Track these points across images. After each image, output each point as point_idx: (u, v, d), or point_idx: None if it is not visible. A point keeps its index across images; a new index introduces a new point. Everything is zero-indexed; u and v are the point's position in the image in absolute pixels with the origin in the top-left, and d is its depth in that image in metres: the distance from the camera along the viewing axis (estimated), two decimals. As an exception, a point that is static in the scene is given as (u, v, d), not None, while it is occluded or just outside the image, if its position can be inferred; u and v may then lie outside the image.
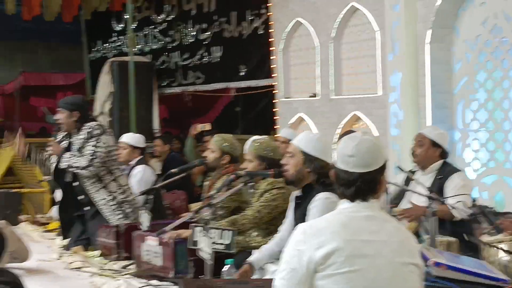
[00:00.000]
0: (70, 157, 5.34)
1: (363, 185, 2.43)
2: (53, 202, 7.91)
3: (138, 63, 10.51)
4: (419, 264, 2.46)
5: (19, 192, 7.32)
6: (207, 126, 9.22)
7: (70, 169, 5.37)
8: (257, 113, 13.95)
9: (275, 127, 9.47)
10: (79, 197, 5.49)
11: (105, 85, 11.34)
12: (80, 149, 5.35)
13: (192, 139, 9.23)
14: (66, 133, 5.54)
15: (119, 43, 13.20)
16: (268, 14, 9.36)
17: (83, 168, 5.29)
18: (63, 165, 5.35)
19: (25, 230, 6.44)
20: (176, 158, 8.80)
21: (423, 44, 6.52)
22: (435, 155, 5.04)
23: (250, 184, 4.28)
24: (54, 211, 7.42)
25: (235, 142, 5.13)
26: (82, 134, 5.37)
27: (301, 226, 2.44)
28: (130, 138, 6.76)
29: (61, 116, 5.43)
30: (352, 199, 2.45)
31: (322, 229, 2.37)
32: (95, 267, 4.82)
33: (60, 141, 5.55)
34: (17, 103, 14.94)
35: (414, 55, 6.63)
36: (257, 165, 4.52)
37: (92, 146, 5.31)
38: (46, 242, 5.94)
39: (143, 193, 5.21)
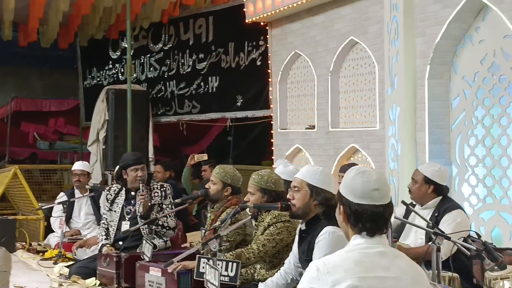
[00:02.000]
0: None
1: (388, 218, 2.48)
2: (48, 230, 7.89)
3: (134, 91, 10.56)
4: (431, 300, 2.49)
5: (14, 219, 7.27)
6: (205, 157, 9.26)
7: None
8: (249, 143, 14.04)
9: (272, 157, 9.52)
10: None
11: (100, 112, 11.38)
12: (160, 205, 5.72)
13: (189, 169, 9.25)
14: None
15: (114, 71, 13.26)
16: (266, 45, 9.45)
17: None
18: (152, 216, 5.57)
19: (22, 257, 6.42)
20: (175, 186, 8.83)
21: (422, 79, 6.60)
22: (428, 192, 5.09)
23: (254, 216, 4.31)
24: (51, 239, 7.41)
25: (236, 174, 5.17)
26: (159, 191, 5.80)
27: (314, 263, 2.45)
28: None
29: (145, 172, 5.85)
30: (373, 234, 2.46)
31: (336, 267, 2.39)
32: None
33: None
34: (8, 129, 14.91)
35: (412, 90, 6.70)
36: (259, 197, 4.54)
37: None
38: (44, 270, 5.91)
39: (146, 223, 5.22)
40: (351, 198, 2.50)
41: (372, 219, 2.46)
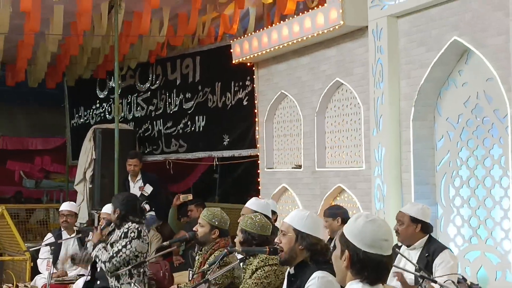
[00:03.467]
0: (99, 248, 5.76)
1: (390, 268, 2.51)
2: (35, 271, 7.84)
3: (122, 130, 10.59)
4: None
5: (1, 260, 7.23)
6: (189, 197, 9.30)
7: (96, 258, 5.79)
8: (235, 181, 14.06)
9: (258, 195, 9.55)
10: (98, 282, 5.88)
11: (87, 151, 11.37)
12: (112, 244, 5.74)
13: (174, 209, 9.26)
14: (113, 225, 6.00)
15: (101, 110, 13.30)
16: (252, 85, 9.56)
17: (102, 261, 5.69)
18: (93, 252, 5.81)
19: (8, 300, 6.38)
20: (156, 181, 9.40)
21: (407, 121, 6.70)
22: (416, 231, 5.16)
23: (242, 260, 4.34)
24: (37, 280, 7.37)
25: (224, 216, 5.21)
26: (120, 232, 5.79)
27: None
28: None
29: (109, 211, 6.07)
30: (375, 283, 2.49)
31: None
32: None
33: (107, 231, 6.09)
34: (-7, 167, 14.87)
35: (397, 131, 6.81)
36: (240, 238, 4.58)
37: (121, 246, 5.69)
38: (31, 313, 5.88)
39: (134, 266, 5.23)
40: (360, 245, 2.49)
41: (378, 269, 2.48)
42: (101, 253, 5.73)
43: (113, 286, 5.69)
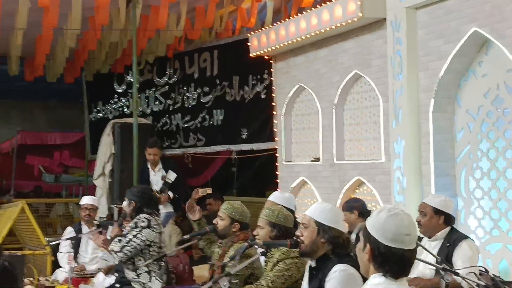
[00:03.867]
0: (115, 241, 5.80)
1: (413, 262, 2.50)
2: (55, 265, 7.90)
3: (140, 124, 10.63)
4: None
5: (23, 255, 7.30)
6: (208, 190, 9.26)
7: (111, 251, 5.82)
8: (253, 174, 14.07)
9: (276, 189, 9.55)
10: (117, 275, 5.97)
11: (106, 146, 11.43)
12: (125, 236, 5.77)
13: (193, 203, 9.26)
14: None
15: (120, 104, 13.35)
16: (270, 79, 9.55)
17: (115, 252, 5.74)
18: (110, 247, 5.84)
19: (30, 294, 6.44)
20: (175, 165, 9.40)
21: (426, 113, 6.66)
22: (439, 223, 5.12)
23: (264, 253, 4.34)
24: (58, 274, 7.43)
25: (244, 210, 5.21)
26: (132, 223, 5.83)
27: None
28: None
29: (124, 203, 6.04)
30: (398, 277, 2.48)
31: None
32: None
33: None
34: (13, 162, 14.98)
35: (416, 124, 6.77)
36: (268, 231, 4.58)
37: (132, 236, 5.74)
38: (53, 307, 5.93)
39: (155, 260, 5.25)
40: (381, 239, 2.49)
41: (400, 263, 2.48)
42: (114, 244, 5.79)
43: (130, 278, 5.71)
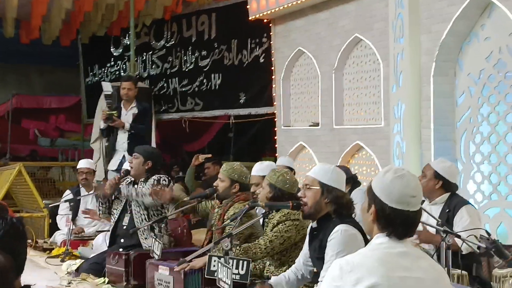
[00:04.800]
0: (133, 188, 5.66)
1: (418, 223, 2.49)
2: (53, 227, 7.90)
3: (138, 89, 10.52)
4: (452, 301, 2.51)
5: (21, 216, 7.27)
6: (209, 156, 9.26)
7: (134, 194, 5.62)
8: (250, 139, 14.06)
9: (273, 154, 9.54)
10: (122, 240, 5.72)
11: (102, 109, 11.33)
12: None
13: (193, 169, 9.23)
14: (132, 179, 5.82)
15: (116, 68, 13.25)
16: (269, 42, 9.46)
17: (143, 194, 5.56)
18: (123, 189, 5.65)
19: (29, 255, 6.43)
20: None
21: (427, 76, 6.61)
22: (435, 187, 5.10)
23: (265, 215, 4.33)
24: (57, 237, 7.43)
25: (243, 170, 5.19)
26: (149, 183, 5.65)
27: (337, 261, 2.46)
28: None
29: (135, 161, 5.73)
30: (402, 238, 2.47)
31: (359, 265, 2.40)
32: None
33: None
34: (8, 126, 14.91)
35: (417, 87, 6.72)
36: (266, 192, 4.56)
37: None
38: (52, 268, 5.93)
39: (155, 221, 5.24)
40: (387, 201, 2.47)
41: (404, 224, 2.46)
42: (141, 187, 5.64)
43: (146, 246, 5.67)
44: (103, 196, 5.81)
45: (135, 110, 8.38)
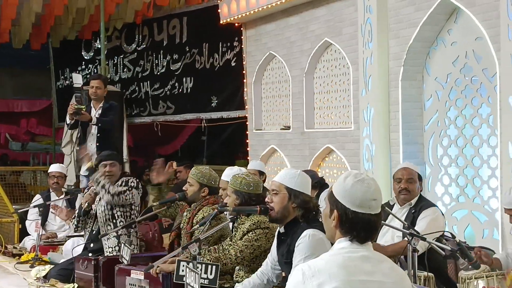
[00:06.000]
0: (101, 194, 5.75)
1: (379, 226, 2.53)
2: (23, 233, 7.84)
3: (108, 92, 10.47)
4: (413, 304, 2.55)
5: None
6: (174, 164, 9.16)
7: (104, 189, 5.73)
8: (223, 143, 14.08)
9: (246, 157, 9.57)
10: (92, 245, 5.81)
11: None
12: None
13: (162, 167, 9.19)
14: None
15: (87, 71, 13.18)
16: (241, 46, 9.49)
17: (114, 194, 5.71)
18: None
19: (-3, 261, 6.39)
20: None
21: (395, 81, 6.69)
22: (420, 190, 5.18)
23: (233, 220, 4.35)
24: (26, 242, 7.38)
25: (212, 174, 5.19)
26: (120, 181, 5.83)
27: (299, 267, 2.48)
28: None
29: (114, 168, 5.89)
30: (364, 241, 2.50)
31: (321, 270, 2.42)
32: (74, 300, 4.81)
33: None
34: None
35: (386, 92, 6.80)
36: (233, 199, 4.54)
37: (125, 189, 5.80)
38: (21, 274, 5.89)
39: (124, 227, 5.24)
40: (349, 205, 2.50)
41: (366, 228, 2.50)
42: (112, 187, 5.75)
43: (107, 246, 5.70)
44: (83, 213, 5.89)
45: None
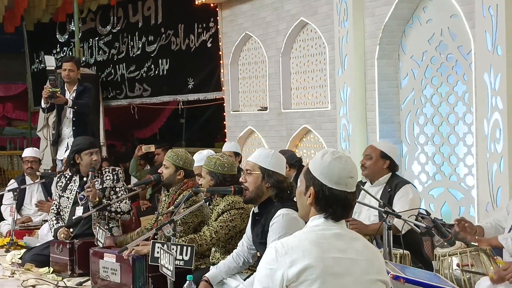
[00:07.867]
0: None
1: (354, 204, 2.51)
2: (-1, 218, 7.75)
3: (84, 75, 10.36)
4: (386, 281, 2.54)
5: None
6: (152, 148, 9.10)
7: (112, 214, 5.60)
8: (201, 125, 14.00)
9: (224, 139, 9.53)
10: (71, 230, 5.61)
11: (45, 87, 11.12)
12: (113, 189, 5.70)
13: (136, 159, 9.15)
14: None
15: (62, 54, 13.02)
16: (216, 27, 9.41)
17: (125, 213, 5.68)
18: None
19: (-28, 247, 6.31)
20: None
21: (372, 59, 6.68)
22: (383, 167, 5.13)
23: (208, 200, 4.32)
24: (2, 227, 7.30)
25: (188, 157, 5.14)
26: (111, 175, 5.71)
27: (272, 245, 2.47)
28: None
29: (99, 156, 5.77)
30: (339, 219, 2.49)
31: (294, 248, 2.41)
32: (49, 284, 4.76)
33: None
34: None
35: (362, 71, 6.79)
36: (208, 181, 4.51)
37: (124, 188, 5.71)
38: (-5, 259, 5.83)
39: (99, 209, 5.19)
40: (326, 182, 2.49)
41: (343, 206, 2.49)
42: (122, 205, 5.65)
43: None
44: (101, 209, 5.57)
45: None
